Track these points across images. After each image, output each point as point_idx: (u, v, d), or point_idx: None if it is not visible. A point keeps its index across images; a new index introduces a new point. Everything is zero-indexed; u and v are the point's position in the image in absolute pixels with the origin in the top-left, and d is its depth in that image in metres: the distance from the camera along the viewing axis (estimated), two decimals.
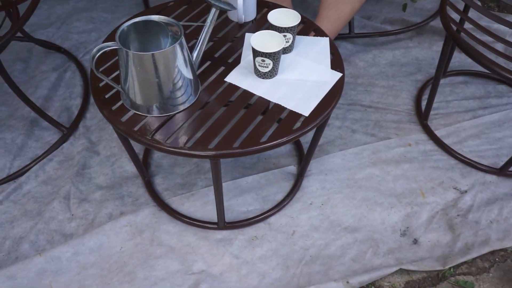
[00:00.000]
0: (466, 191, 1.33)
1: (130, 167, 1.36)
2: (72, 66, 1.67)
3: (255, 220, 1.24)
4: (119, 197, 1.29)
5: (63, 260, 1.15)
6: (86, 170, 1.36)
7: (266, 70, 1.02)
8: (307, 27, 1.20)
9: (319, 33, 1.18)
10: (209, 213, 1.26)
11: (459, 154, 1.41)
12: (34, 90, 1.57)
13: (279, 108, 0.99)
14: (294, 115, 0.97)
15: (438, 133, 1.47)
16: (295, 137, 0.94)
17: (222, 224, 1.20)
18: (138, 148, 1.39)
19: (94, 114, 1.51)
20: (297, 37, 1.15)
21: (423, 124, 1.50)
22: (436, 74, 1.39)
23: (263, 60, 1.00)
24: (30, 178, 1.33)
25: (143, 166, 1.33)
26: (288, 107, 0.98)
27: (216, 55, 1.11)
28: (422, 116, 1.52)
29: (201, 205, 1.27)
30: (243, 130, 0.95)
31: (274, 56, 0.99)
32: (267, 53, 0.98)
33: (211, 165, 0.97)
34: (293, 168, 1.37)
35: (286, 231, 1.24)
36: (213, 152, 0.89)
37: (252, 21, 1.21)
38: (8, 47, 1.68)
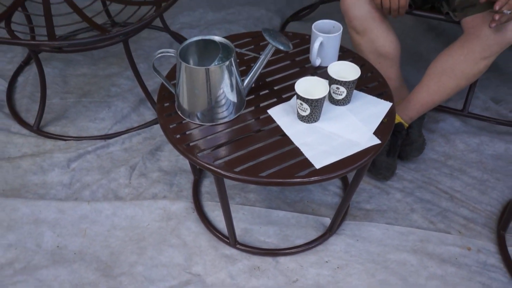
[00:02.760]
0: None
1: None
2: None
3: (265, 252, 1.26)
4: (169, 184, 1.46)
5: (102, 215, 1.36)
6: (158, 152, 1.56)
7: (304, 114, 1.04)
8: (379, 87, 1.17)
9: (387, 96, 1.14)
10: None
11: None
12: (155, 76, 1.86)
13: (298, 152, 1.00)
14: (307, 163, 0.98)
15: None
16: (293, 183, 0.95)
17: (232, 242, 1.26)
18: None
19: None
20: (361, 94, 1.14)
21: (498, 233, 1.29)
22: None
23: (301, 104, 1.03)
24: (117, 142, 1.60)
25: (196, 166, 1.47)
26: (306, 155, 0.99)
27: (276, 87, 1.18)
28: (502, 223, 1.30)
29: None
30: (253, 159, 0.99)
31: (312, 103, 1.01)
32: (304, 98, 1.00)
33: (214, 180, 1.04)
34: (328, 221, 1.34)
35: (289, 276, 1.22)
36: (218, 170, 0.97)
37: None
38: (156, 38, 2.04)
